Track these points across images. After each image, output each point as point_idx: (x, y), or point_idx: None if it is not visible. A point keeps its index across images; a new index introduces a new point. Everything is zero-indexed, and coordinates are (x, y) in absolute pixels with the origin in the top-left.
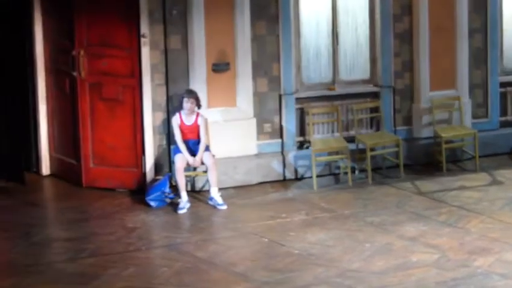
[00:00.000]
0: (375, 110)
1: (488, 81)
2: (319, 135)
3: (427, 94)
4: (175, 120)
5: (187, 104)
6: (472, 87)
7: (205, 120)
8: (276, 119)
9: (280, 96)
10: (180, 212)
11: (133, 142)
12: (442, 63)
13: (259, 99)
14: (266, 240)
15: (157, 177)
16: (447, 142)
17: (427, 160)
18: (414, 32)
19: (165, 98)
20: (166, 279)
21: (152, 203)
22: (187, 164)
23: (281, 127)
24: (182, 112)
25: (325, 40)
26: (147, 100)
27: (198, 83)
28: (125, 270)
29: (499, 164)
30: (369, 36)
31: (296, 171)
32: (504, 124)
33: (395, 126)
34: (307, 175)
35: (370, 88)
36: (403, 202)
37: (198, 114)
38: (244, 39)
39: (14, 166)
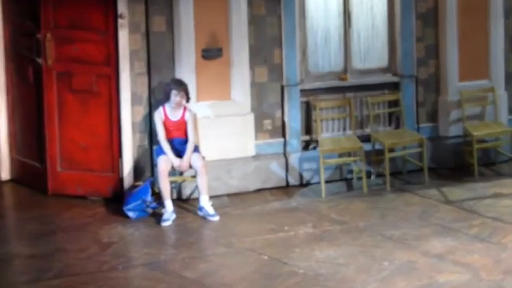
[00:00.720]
0: (394, 103)
1: None
2: (329, 133)
3: (455, 85)
4: (159, 116)
5: (176, 97)
6: (508, 77)
7: (194, 116)
8: (278, 115)
9: (282, 88)
10: (164, 224)
11: (108, 141)
12: (472, 49)
13: (257, 91)
14: (265, 257)
15: (137, 183)
16: (479, 142)
17: (456, 163)
18: (440, 11)
19: (146, 89)
20: None
21: (131, 214)
22: (173, 168)
23: (283, 124)
24: (167, 105)
25: (335, 21)
26: (126, 92)
27: (186, 72)
28: None
29: None
30: (387, 16)
31: (301, 176)
32: None
33: (418, 122)
34: (314, 180)
35: (388, 78)
36: (427, 213)
37: (185, 109)
38: (240, 20)
39: None
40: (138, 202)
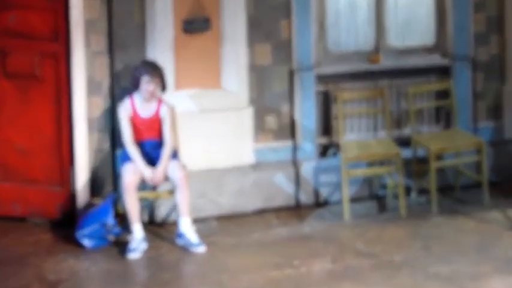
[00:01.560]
0: (442, 95)
1: None
2: (354, 134)
3: None
4: (125, 110)
5: (149, 85)
6: None
7: (172, 110)
8: (285, 109)
9: (291, 73)
10: (132, 256)
11: (56, 144)
12: None
13: (257, 77)
14: None
15: (95, 201)
16: None
17: None
18: None
19: (107, 74)
20: None
21: (86, 242)
22: (143, 180)
23: (293, 122)
24: (136, 97)
25: None
26: (79, 77)
27: (161, 50)
28: None
29: None
30: None
31: (316, 192)
32: None
33: (475, 121)
34: (334, 198)
35: (435, 60)
36: (487, 243)
37: (160, 101)
38: None
39: None
40: (96, 226)
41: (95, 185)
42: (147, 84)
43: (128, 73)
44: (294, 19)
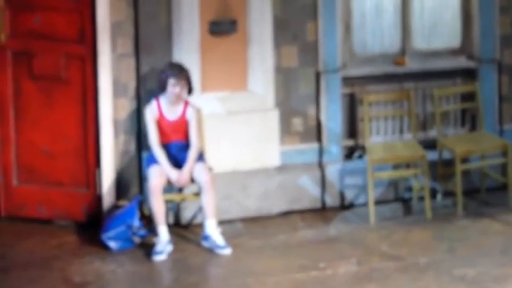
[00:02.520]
0: (468, 97)
1: None
2: (380, 137)
3: None
4: (151, 112)
5: (175, 88)
6: None
7: (198, 112)
8: (311, 112)
9: (317, 75)
10: (157, 258)
11: (82, 146)
12: None
13: (284, 79)
14: None
15: (121, 203)
16: None
17: None
18: None
19: (133, 76)
20: None
21: (112, 244)
22: (169, 182)
23: (319, 124)
24: (162, 99)
25: None
26: (105, 79)
27: (187, 53)
28: None
29: None
30: None
31: (342, 194)
32: None
33: (501, 123)
34: (359, 201)
35: (461, 62)
36: None
37: (186, 104)
38: None
39: None
40: (122, 228)
41: (121, 187)
42: (173, 86)
43: (154, 75)
44: (320, 21)
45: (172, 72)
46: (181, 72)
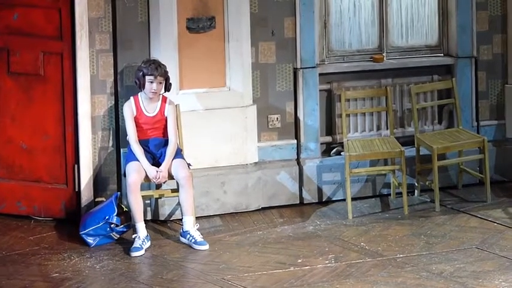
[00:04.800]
0: (445, 93)
1: None
2: (358, 133)
3: None
4: (129, 109)
5: (151, 84)
6: None
7: (176, 109)
8: (289, 108)
9: (295, 71)
10: (135, 254)
11: (61, 142)
12: None
13: (262, 75)
14: None
15: (99, 199)
16: None
17: None
18: None
19: (111, 72)
20: None
21: (90, 240)
22: (147, 179)
23: (296, 120)
24: (140, 96)
25: None
26: (83, 76)
27: (165, 49)
28: None
29: None
30: None
31: (320, 190)
32: None
33: (478, 120)
34: (337, 197)
35: (438, 59)
36: (490, 241)
37: (164, 100)
38: None
39: None
40: (100, 224)
41: (99, 184)
42: (150, 83)
43: (132, 72)
44: (298, 17)
45: (149, 69)
46: (157, 68)
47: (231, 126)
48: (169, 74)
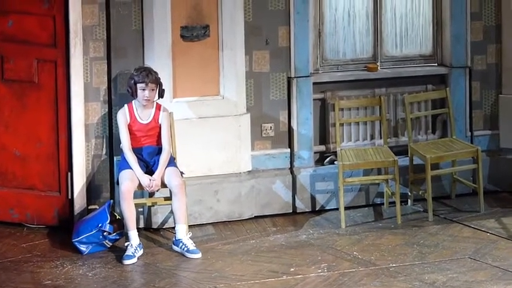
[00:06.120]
0: (439, 103)
1: None
2: (351, 142)
3: None
4: (123, 117)
5: (144, 92)
6: None
7: (170, 117)
8: (283, 117)
9: (289, 80)
10: (128, 262)
11: (54, 150)
12: None
13: (255, 84)
14: None
15: (92, 207)
16: None
17: None
18: None
19: (105, 80)
20: None
21: (83, 248)
22: (140, 187)
23: (290, 129)
24: (134, 103)
25: None
26: (77, 83)
27: (159, 57)
28: None
29: None
30: None
31: (313, 199)
32: None
33: (472, 130)
34: (330, 206)
35: (432, 69)
36: (483, 251)
37: (158, 107)
38: None
39: None
40: (93, 232)
41: (92, 191)
42: (142, 91)
43: (126, 79)
44: (292, 27)
45: (140, 77)
46: (148, 75)
47: (224, 135)
48: (161, 81)
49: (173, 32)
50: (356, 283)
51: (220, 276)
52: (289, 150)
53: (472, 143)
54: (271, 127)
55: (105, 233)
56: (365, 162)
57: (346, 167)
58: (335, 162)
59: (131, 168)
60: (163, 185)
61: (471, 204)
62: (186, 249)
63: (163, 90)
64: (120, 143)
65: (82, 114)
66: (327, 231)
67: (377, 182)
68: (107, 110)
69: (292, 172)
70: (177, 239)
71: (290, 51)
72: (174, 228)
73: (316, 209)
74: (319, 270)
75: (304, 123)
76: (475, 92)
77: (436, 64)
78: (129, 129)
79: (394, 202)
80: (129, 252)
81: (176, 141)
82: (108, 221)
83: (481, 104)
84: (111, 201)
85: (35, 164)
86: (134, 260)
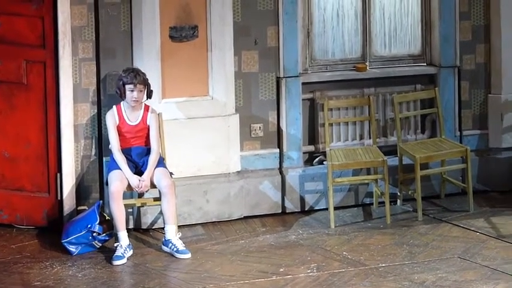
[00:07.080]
0: (428, 103)
1: None
2: (340, 142)
3: None
4: (112, 118)
5: (132, 93)
6: None
7: (159, 118)
8: (272, 117)
9: (278, 80)
10: (117, 262)
11: (43, 151)
12: None
13: (244, 84)
14: None
15: (81, 208)
16: None
17: None
18: None
19: (94, 81)
20: None
21: (72, 248)
22: (130, 187)
23: (279, 129)
24: (123, 105)
25: None
26: (66, 84)
27: (148, 58)
28: None
29: None
30: None
31: (302, 199)
32: None
33: (461, 129)
34: (319, 206)
35: (421, 68)
36: (472, 251)
37: (147, 109)
38: None
39: None
40: (82, 233)
41: (82, 192)
42: (130, 92)
43: (115, 80)
44: (281, 27)
45: (128, 78)
46: (136, 76)
47: (213, 135)
48: (150, 82)
49: (162, 33)
50: (345, 283)
51: (210, 277)
52: (278, 150)
53: (461, 142)
54: (260, 127)
55: (94, 234)
56: (354, 162)
57: (336, 167)
58: (324, 162)
59: (120, 169)
60: (153, 186)
61: (460, 204)
62: (175, 249)
63: (152, 91)
64: (109, 143)
65: (71, 115)
66: (316, 231)
67: (366, 182)
68: (96, 110)
69: (281, 172)
70: (166, 239)
71: (279, 51)
72: (163, 228)
73: (306, 209)
74: (309, 271)
75: (293, 124)
76: (464, 92)
77: (425, 64)
78: (118, 130)
79: (383, 202)
80: (118, 252)
81: (165, 141)
82: (98, 222)
83: (470, 103)
84: (101, 201)
85: (24, 165)
86: (124, 261)
